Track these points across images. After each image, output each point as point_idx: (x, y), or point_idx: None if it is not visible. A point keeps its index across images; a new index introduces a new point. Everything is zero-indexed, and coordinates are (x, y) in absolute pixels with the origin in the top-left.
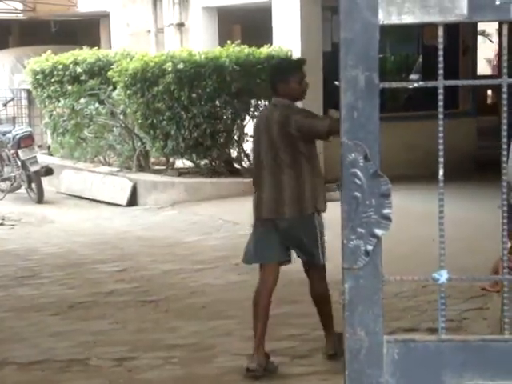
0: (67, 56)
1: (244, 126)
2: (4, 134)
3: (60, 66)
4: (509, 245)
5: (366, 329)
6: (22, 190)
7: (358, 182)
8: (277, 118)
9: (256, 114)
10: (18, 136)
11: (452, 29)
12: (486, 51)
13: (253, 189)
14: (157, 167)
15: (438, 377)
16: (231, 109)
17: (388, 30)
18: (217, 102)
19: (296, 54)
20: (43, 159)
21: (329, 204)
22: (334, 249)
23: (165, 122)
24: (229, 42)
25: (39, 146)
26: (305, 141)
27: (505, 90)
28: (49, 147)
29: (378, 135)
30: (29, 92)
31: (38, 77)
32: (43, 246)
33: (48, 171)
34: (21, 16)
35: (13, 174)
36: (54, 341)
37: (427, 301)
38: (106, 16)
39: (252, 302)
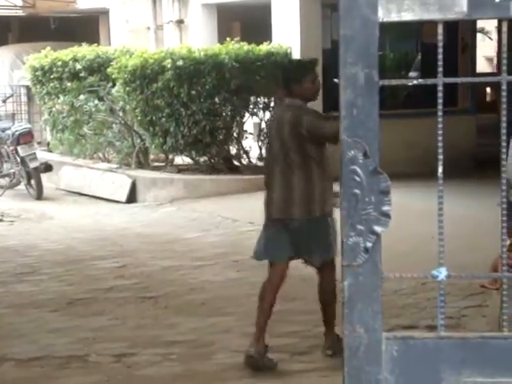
0: (66, 53)
1: (243, 122)
2: (3, 130)
3: (59, 63)
4: (508, 242)
5: (365, 326)
6: (22, 187)
7: (357, 179)
8: (288, 118)
9: (255, 110)
10: (17, 132)
11: (451, 26)
12: (485, 49)
13: (264, 188)
14: (156, 164)
15: (437, 374)
16: (230, 106)
17: (387, 28)
18: (216, 99)
19: (295, 52)
20: (42, 156)
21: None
22: None
23: (164, 119)
24: (228, 39)
25: (38, 143)
26: (315, 143)
27: (504, 87)
28: (48, 144)
29: (378, 132)
30: (28, 88)
31: (37, 73)
32: (42, 242)
33: (47, 168)
34: (20, 12)
35: (12, 171)
36: (53, 337)
37: (426, 298)
38: (105, 13)
39: (258, 296)
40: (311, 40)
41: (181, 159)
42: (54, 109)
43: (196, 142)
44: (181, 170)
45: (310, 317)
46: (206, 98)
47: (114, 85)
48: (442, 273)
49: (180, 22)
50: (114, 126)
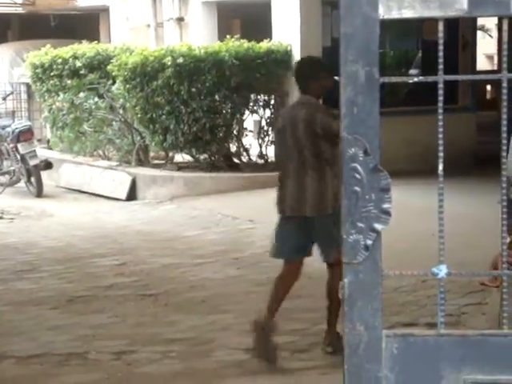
0: (67, 50)
1: (243, 120)
2: (3, 127)
3: (59, 60)
4: (508, 240)
5: (365, 323)
6: (22, 184)
7: (357, 176)
8: (303, 116)
9: (255, 108)
10: (17, 130)
11: (452, 24)
12: (486, 46)
13: (277, 184)
14: (156, 161)
15: (437, 371)
16: (230, 103)
17: (387, 25)
18: (216, 97)
19: (296, 49)
20: (42, 153)
21: None
22: None
23: (164, 117)
24: (228, 36)
25: (38, 140)
26: (329, 141)
27: (505, 84)
28: (48, 141)
29: (378, 130)
30: (28, 86)
31: (37, 71)
32: (42, 239)
33: (47, 165)
34: (20, 10)
35: (12, 168)
36: (52, 334)
37: (426, 295)
38: (105, 10)
39: (273, 284)
40: (311, 38)
41: (181, 157)
42: (54, 106)
43: (196, 139)
44: (181, 167)
45: (313, 315)
46: (206, 95)
47: (114, 82)
48: (442, 270)
49: (180, 19)
50: (114, 123)
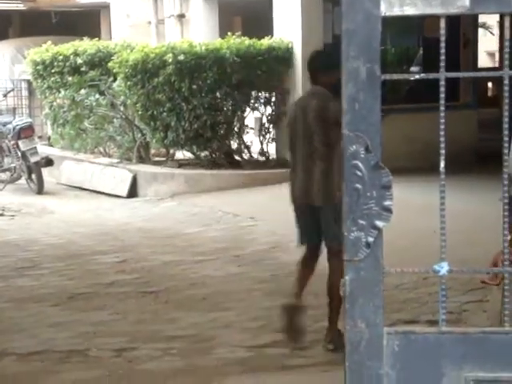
0: (67, 47)
1: (244, 117)
2: (4, 124)
3: (60, 57)
4: (509, 237)
5: (366, 321)
6: (22, 181)
7: (359, 173)
8: (314, 106)
9: (256, 105)
10: (18, 127)
11: (453, 21)
12: (487, 44)
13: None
14: (157, 158)
15: (438, 369)
16: (232, 100)
17: (389, 22)
18: (217, 94)
19: (297, 46)
20: (43, 150)
21: None
22: None
23: (165, 114)
24: (229, 33)
25: (39, 137)
26: (339, 132)
27: (506, 82)
28: (49, 138)
29: (380, 127)
30: (29, 83)
31: (38, 67)
32: (43, 236)
33: (48, 162)
34: (21, 6)
35: (13, 165)
36: (53, 331)
37: (428, 293)
38: (106, 7)
39: (296, 267)
40: (312, 34)
41: (182, 154)
42: (54, 103)
43: (197, 136)
44: (182, 164)
45: (314, 312)
46: (207, 92)
47: (115, 79)
48: (444, 268)
49: (181, 16)
50: (114, 120)
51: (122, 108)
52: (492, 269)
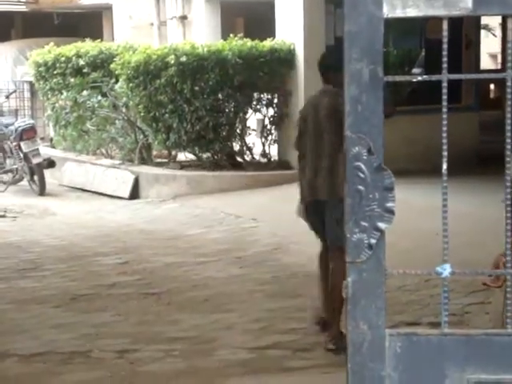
0: (70, 48)
1: (246, 119)
2: (6, 126)
3: (62, 59)
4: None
5: (368, 322)
6: (24, 182)
7: (361, 175)
8: (326, 103)
9: (258, 107)
10: (20, 128)
11: (455, 23)
12: (489, 45)
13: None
14: (159, 160)
15: (441, 371)
16: (234, 102)
17: (391, 24)
18: (219, 95)
19: (299, 48)
20: (45, 151)
21: None
22: None
23: (167, 115)
24: (231, 35)
25: (41, 139)
26: None
27: (509, 83)
28: (51, 139)
29: (382, 129)
30: (31, 84)
31: (40, 69)
32: (45, 238)
33: (50, 163)
34: (23, 8)
35: (15, 166)
36: (55, 333)
37: (430, 295)
38: (108, 8)
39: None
40: (315, 36)
41: (184, 155)
42: (57, 104)
43: (199, 138)
44: (184, 166)
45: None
46: (210, 94)
47: (117, 81)
48: (447, 269)
49: (183, 17)
50: (117, 121)
51: (124, 109)
52: (494, 271)
